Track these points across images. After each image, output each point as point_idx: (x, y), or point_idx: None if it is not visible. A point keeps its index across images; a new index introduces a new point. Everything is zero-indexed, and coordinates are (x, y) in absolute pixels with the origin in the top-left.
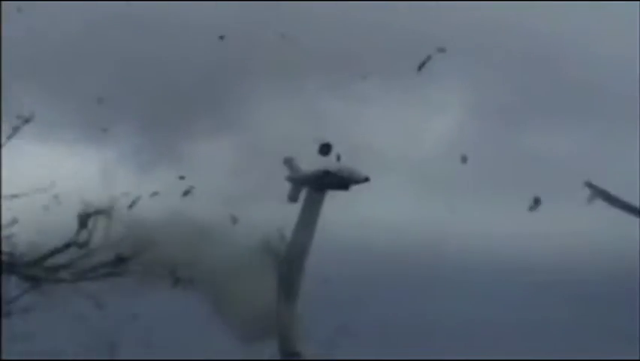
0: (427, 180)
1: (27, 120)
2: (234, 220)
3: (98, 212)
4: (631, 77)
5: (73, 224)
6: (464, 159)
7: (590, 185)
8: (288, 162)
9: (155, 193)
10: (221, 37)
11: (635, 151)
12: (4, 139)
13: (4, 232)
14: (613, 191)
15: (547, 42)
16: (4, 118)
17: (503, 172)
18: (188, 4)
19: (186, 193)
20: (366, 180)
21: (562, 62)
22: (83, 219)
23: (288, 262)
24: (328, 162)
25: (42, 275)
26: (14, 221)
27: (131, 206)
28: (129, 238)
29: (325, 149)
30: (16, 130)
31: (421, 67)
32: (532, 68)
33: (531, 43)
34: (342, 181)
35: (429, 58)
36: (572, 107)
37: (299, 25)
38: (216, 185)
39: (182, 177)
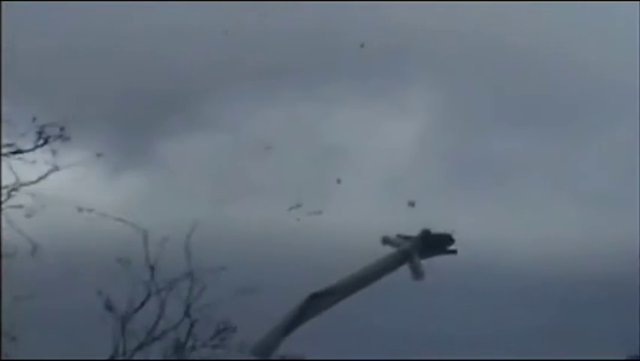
0: (402, 183)
1: None
2: None
3: None
4: (603, 83)
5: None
6: (412, 204)
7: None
8: (388, 241)
9: None
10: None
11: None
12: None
13: None
14: (585, 193)
15: (519, 48)
16: None
17: (476, 176)
18: (162, 4)
19: None
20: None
21: (534, 68)
22: None
23: (321, 297)
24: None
25: None
26: None
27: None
28: None
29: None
30: None
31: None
32: (503, 73)
33: (502, 49)
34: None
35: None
36: (543, 112)
37: (271, 24)
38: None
39: None
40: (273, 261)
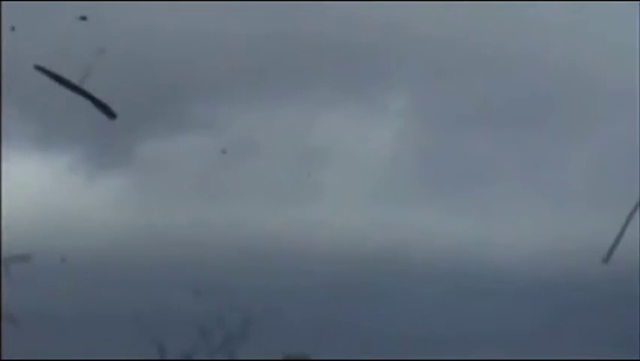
0: (383, 185)
1: None
2: None
3: None
4: (588, 85)
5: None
6: None
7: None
8: None
9: None
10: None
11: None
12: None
13: None
14: (564, 196)
15: (501, 49)
16: None
17: (457, 178)
18: (151, 4)
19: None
20: None
21: (515, 70)
22: None
23: None
24: None
25: None
26: None
27: None
28: None
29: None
30: None
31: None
32: (485, 75)
33: (485, 50)
34: None
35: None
36: (525, 115)
37: (260, 29)
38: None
39: None
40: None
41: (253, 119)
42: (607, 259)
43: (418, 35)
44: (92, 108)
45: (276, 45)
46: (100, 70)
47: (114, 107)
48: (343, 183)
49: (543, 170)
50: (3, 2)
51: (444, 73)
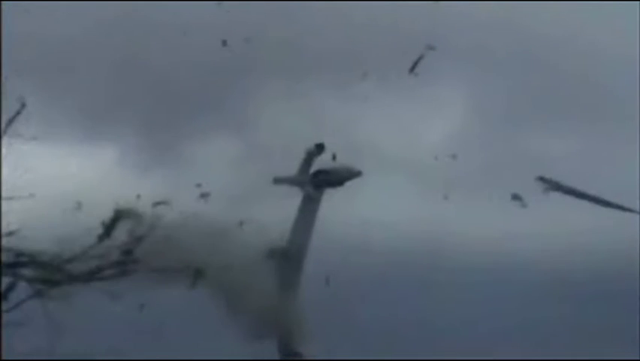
0: (426, 179)
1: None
2: (241, 223)
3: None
4: (632, 77)
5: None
6: None
7: (541, 178)
8: (279, 180)
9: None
10: (224, 43)
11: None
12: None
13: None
14: (611, 192)
15: (548, 42)
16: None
17: (502, 172)
18: (189, 4)
19: (204, 195)
20: (359, 174)
21: (563, 62)
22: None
23: (288, 258)
24: (323, 161)
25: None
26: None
27: (156, 205)
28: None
29: (319, 149)
30: (11, 122)
31: (413, 68)
32: (532, 68)
33: (532, 43)
34: (335, 179)
35: (421, 57)
36: (572, 107)
37: (300, 26)
38: (219, 185)
39: (198, 185)
40: None
41: (295, 114)
42: None
43: (468, 26)
44: (143, 105)
45: (324, 42)
46: (146, 74)
47: (160, 109)
48: (387, 178)
49: (596, 163)
50: (3, 2)
51: (496, 66)
